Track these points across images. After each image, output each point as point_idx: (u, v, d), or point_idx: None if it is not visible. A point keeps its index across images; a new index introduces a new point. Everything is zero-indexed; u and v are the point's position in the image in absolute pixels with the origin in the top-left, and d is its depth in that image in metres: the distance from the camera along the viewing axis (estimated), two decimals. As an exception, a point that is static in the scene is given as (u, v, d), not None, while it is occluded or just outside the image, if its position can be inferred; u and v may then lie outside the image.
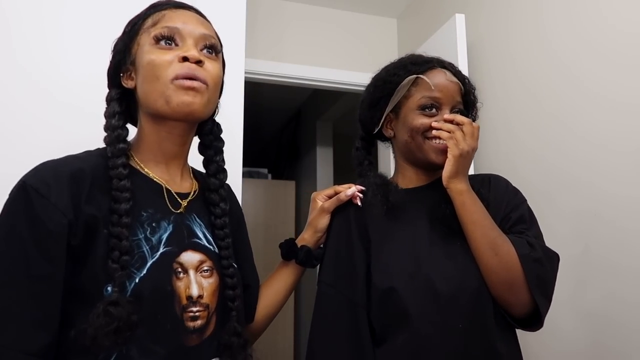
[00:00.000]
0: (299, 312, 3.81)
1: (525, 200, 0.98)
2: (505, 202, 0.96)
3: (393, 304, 0.88)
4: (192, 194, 0.85)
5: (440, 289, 0.88)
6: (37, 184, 0.68)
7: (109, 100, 0.81)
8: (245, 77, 1.57)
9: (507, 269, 0.87)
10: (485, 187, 0.98)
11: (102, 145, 0.80)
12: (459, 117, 0.92)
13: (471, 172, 1.00)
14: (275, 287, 1.00)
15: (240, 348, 0.79)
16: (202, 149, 0.90)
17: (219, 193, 0.87)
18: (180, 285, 0.74)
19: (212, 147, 0.89)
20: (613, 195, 1.34)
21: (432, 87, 0.96)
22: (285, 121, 4.55)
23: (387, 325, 0.89)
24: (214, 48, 0.82)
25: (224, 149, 0.90)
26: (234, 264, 0.84)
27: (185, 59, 0.76)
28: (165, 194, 0.80)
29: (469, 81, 1.03)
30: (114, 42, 0.84)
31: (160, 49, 0.77)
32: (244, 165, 1.56)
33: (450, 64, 1.02)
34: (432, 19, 2.39)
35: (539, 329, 0.89)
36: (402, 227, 0.96)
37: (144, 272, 0.71)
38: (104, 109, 0.80)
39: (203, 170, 0.91)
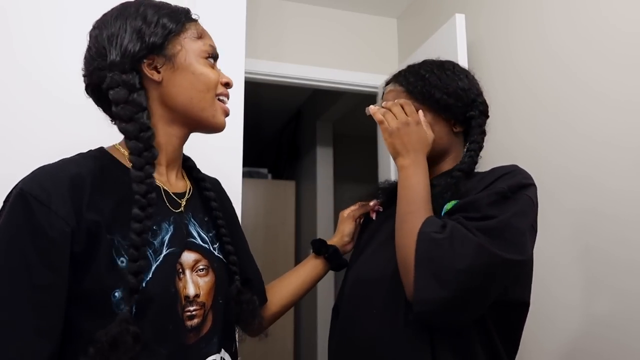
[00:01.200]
0: (299, 312, 3.81)
1: (505, 191, 0.83)
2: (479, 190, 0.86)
3: (340, 295, 1.01)
4: (187, 193, 0.86)
5: (362, 275, 0.96)
6: (36, 192, 0.66)
7: (129, 87, 0.74)
8: (245, 77, 1.57)
9: (403, 245, 0.82)
10: (484, 179, 0.90)
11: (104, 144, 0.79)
12: (381, 107, 0.96)
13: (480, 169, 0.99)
14: (303, 276, 1.07)
15: (249, 303, 0.86)
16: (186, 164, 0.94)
17: (205, 185, 0.91)
18: (181, 285, 0.75)
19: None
20: (614, 193, 1.34)
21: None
22: (285, 121, 4.55)
23: (336, 313, 1.01)
24: None
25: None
26: (232, 251, 0.88)
27: (227, 84, 0.86)
28: (163, 195, 0.80)
29: (409, 74, 1.01)
30: (139, 21, 0.77)
31: (209, 65, 0.83)
32: (244, 165, 1.56)
33: (399, 72, 1.05)
34: (432, 19, 2.39)
35: (416, 315, 0.78)
36: (383, 222, 1.03)
37: (150, 275, 0.71)
38: (116, 92, 0.73)
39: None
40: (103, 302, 0.67)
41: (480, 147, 0.97)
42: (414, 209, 0.86)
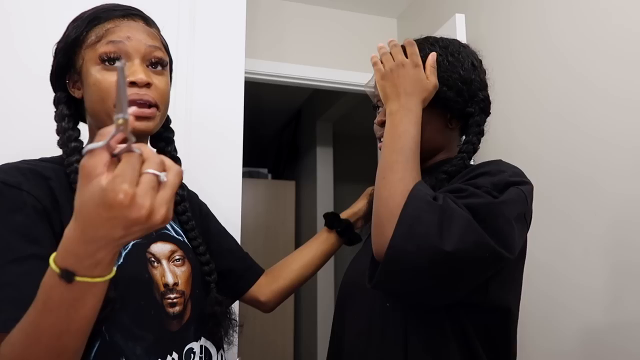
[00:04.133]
0: (299, 312, 3.81)
1: (486, 186, 0.74)
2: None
3: None
4: None
5: (346, 279, 0.93)
6: (5, 177, 0.68)
7: (56, 103, 0.81)
8: (245, 77, 1.57)
9: (388, 196, 0.73)
10: (463, 174, 0.83)
11: None
12: (384, 47, 0.89)
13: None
14: (314, 250, 1.06)
15: (223, 315, 0.85)
16: (152, 142, 0.91)
17: None
18: (156, 273, 0.78)
19: (163, 138, 0.91)
20: (616, 193, 1.34)
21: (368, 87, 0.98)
22: (285, 121, 4.55)
23: None
24: (160, 62, 0.80)
25: (174, 138, 0.93)
26: (201, 243, 0.88)
27: (132, 83, 0.74)
28: None
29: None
30: (55, 47, 0.81)
31: (106, 69, 0.74)
32: (244, 165, 1.55)
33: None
34: (432, 19, 2.39)
35: (381, 274, 0.69)
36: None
37: (120, 261, 0.73)
38: (54, 113, 0.81)
39: None
40: None
41: (475, 149, 0.88)
42: (402, 159, 0.76)
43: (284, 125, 4.62)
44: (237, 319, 0.91)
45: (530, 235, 0.83)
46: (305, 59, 2.56)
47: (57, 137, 0.79)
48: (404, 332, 0.78)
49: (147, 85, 0.75)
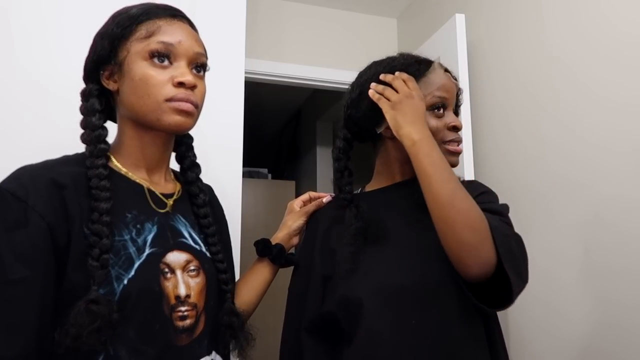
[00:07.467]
0: (299, 312, 3.81)
1: (495, 202, 0.93)
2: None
3: (352, 306, 0.87)
4: (176, 193, 0.86)
5: (389, 284, 0.87)
6: (14, 188, 0.67)
7: (86, 95, 0.80)
8: (245, 77, 1.57)
9: (469, 224, 0.78)
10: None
11: None
12: (388, 77, 0.95)
13: (469, 176, 0.99)
14: (252, 284, 1.01)
15: (240, 327, 0.84)
16: (174, 146, 0.92)
17: (197, 185, 0.90)
18: (168, 285, 0.75)
19: (183, 143, 0.92)
20: (613, 197, 1.34)
21: (441, 86, 0.96)
22: (285, 121, 4.56)
23: (350, 326, 0.88)
24: (203, 67, 0.84)
25: (193, 144, 0.94)
26: (220, 250, 0.86)
27: (180, 84, 0.77)
28: (147, 195, 0.80)
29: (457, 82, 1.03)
30: (97, 35, 0.81)
31: (154, 66, 0.77)
32: (244, 165, 1.55)
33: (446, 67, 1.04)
34: (432, 19, 2.39)
35: (508, 306, 0.83)
36: (373, 233, 0.93)
37: (132, 273, 0.71)
38: (80, 104, 0.80)
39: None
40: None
41: None
42: (457, 185, 0.82)
43: (284, 125, 4.63)
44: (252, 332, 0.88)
45: (526, 237, 0.88)
46: (305, 59, 2.56)
47: (82, 131, 0.78)
48: (486, 326, 0.88)
49: (193, 87, 0.79)
